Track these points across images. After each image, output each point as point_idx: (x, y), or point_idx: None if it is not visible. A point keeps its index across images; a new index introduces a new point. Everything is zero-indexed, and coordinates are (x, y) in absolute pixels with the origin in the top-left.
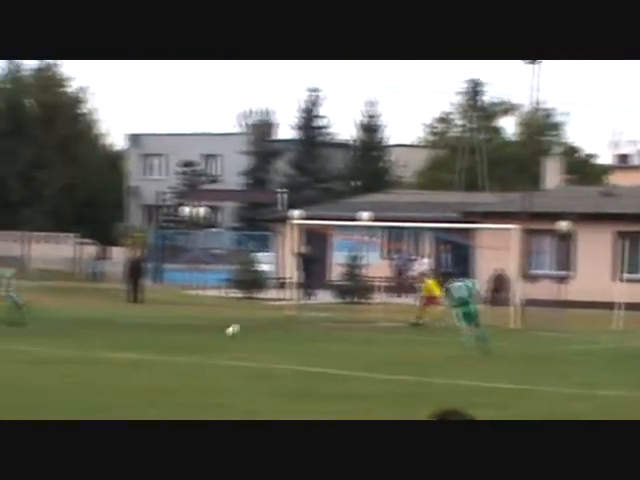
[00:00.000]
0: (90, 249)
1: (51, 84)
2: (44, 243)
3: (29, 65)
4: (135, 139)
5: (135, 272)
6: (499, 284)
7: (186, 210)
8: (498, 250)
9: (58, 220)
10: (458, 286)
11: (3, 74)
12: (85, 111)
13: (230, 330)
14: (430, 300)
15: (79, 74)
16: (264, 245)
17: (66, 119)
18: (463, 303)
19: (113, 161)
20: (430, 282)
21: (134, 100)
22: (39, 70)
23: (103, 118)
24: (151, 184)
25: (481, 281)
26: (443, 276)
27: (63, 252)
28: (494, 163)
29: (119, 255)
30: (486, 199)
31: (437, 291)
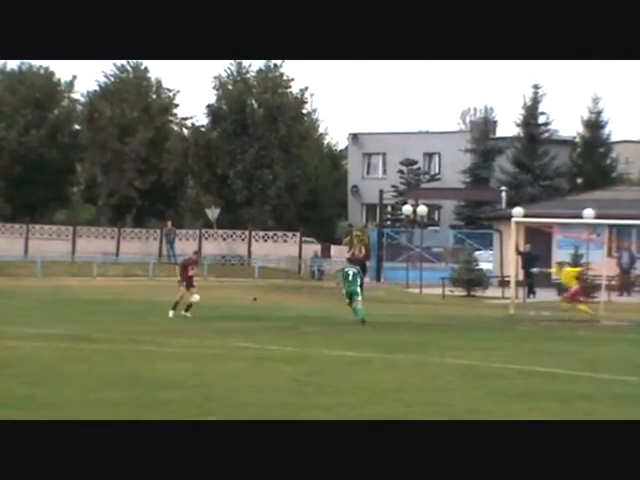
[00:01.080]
0: (312, 248)
1: (275, 85)
2: (267, 242)
3: (253, 66)
4: (356, 138)
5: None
6: None
7: (407, 208)
8: None
9: (281, 219)
10: None
11: (228, 76)
12: (307, 111)
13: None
14: None
15: (300, 75)
16: (485, 243)
17: (289, 119)
18: None
19: (334, 160)
20: None
21: (355, 99)
22: (263, 71)
23: (324, 118)
24: (372, 183)
25: None
26: None
27: (286, 251)
28: None
29: (340, 254)
30: None
31: None
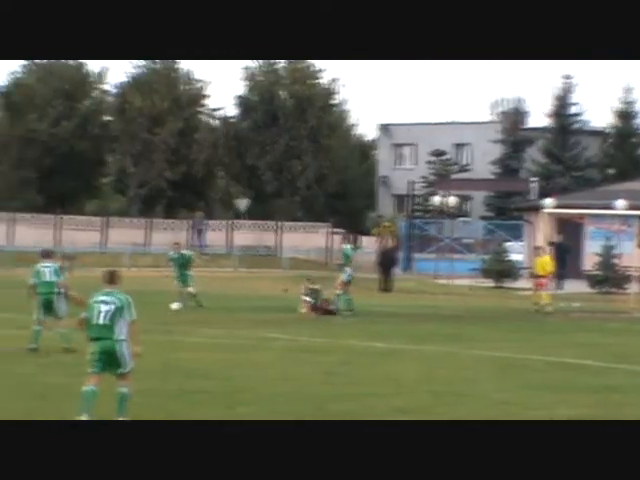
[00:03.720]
0: (341, 239)
1: (304, 76)
2: (297, 232)
3: None
4: (386, 129)
5: (387, 262)
6: None
7: (436, 199)
8: None
9: (310, 210)
10: None
11: (258, 67)
12: (337, 102)
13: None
14: None
15: (330, 66)
16: (515, 234)
17: (318, 110)
18: None
19: (364, 151)
20: None
21: (384, 90)
22: (293, 62)
23: (354, 109)
24: (401, 173)
25: None
26: None
27: (315, 242)
28: None
29: (370, 245)
30: None
31: None
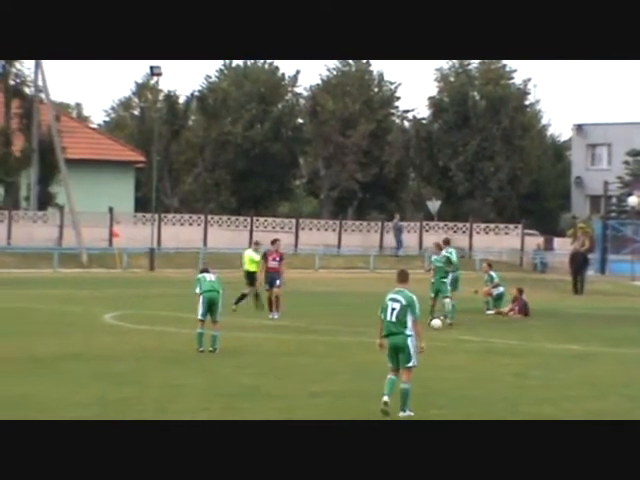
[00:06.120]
0: (534, 240)
1: (497, 76)
2: (488, 234)
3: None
4: (580, 129)
5: (578, 263)
6: None
7: (632, 200)
8: None
9: (502, 211)
10: None
11: (450, 68)
12: (530, 102)
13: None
14: None
15: (522, 65)
16: None
17: (511, 111)
18: None
19: (558, 152)
20: None
21: (580, 90)
22: (485, 63)
23: (548, 109)
24: (596, 174)
25: None
26: None
27: (507, 243)
28: None
29: (563, 246)
30: None
31: None
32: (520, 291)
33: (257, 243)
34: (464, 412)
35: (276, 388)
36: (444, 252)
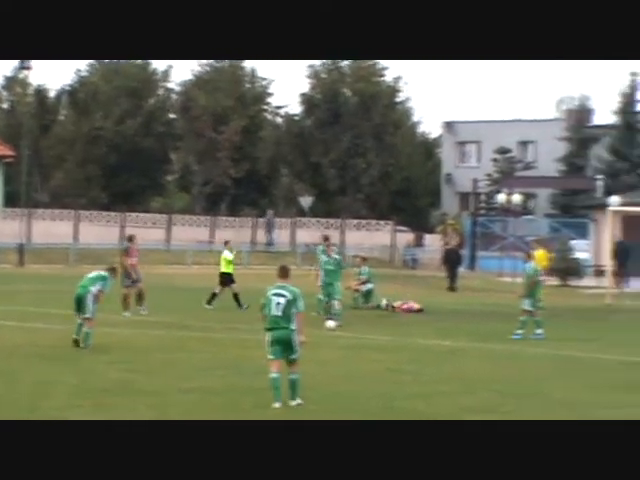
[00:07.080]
0: (405, 236)
1: (368, 74)
2: (360, 230)
3: None
4: (450, 126)
5: (451, 260)
6: None
7: (501, 197)
8: None
9: (374, 208)
10: None
11: (322, 64)
12: (400, 100)
13: None
14: None
15: (393, 64)
16: (580, 232)
17: (382, 108)
18: None
19: (428, 149)
20: None
21: (449, 88)
22: (357, 60)
23: (418, 107)
24: (466, 171)
25: None
26: None
27: (379, 239)
28: None
29: (433, 243)
30: None
31: None
32: None
33: (227, 242)
34: (339, 407)
35: (149, 384)
36: (334, 255)
